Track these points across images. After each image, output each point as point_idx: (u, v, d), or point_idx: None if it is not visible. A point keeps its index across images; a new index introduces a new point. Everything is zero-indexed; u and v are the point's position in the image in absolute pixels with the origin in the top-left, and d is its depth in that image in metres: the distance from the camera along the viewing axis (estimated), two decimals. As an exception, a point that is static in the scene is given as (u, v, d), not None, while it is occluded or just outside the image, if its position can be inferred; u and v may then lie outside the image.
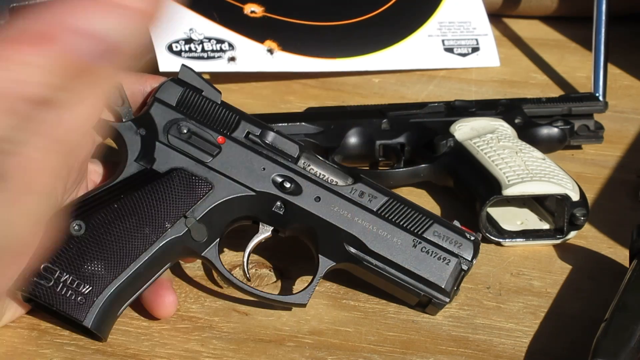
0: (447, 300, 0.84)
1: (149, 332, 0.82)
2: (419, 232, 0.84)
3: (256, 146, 0.85)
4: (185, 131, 0.84)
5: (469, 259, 0.85)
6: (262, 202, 0.84)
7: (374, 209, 0.84)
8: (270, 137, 0.85)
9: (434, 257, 0.84)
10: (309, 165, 0.86)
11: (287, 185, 0.84)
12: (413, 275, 0.84)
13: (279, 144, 0.85)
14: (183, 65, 0.86)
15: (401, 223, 0.85)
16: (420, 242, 0.84)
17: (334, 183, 0.85)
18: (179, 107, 0.85)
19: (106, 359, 0.80)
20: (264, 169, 0.84)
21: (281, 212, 0.84)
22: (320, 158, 0.86)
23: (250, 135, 0.85)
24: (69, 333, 0.81)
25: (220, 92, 0.86)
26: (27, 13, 0.61)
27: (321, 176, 0.85)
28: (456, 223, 0.86)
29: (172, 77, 0.86)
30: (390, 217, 0.85)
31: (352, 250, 0.84)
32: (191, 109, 0.85)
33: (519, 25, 1.36)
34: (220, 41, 1.17)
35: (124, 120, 0.84)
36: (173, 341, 0.82)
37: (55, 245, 0.79)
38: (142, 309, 0.84)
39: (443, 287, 0.84)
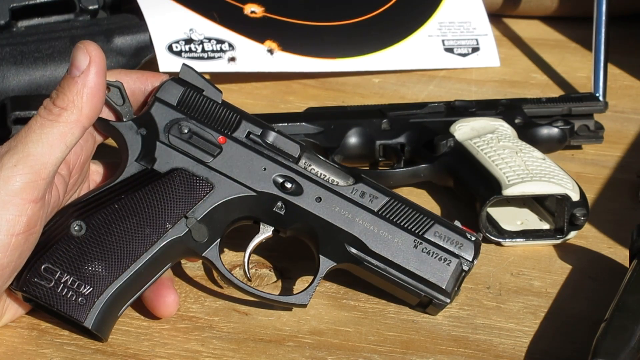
0: (448, 301, 0.84)
1: (149, 332, 0.82)
2: (420, 233, 0.84)
3: (257, 146, 0.85)
4: (186, 131, 0.84)
5: (470, 260, 0.84)
6: (262, 203, 0.84)
7: (375, 210, 0.84)
8: (272, 137, 0.85)
9: (435, 257, 0.84)
10: (310, 165, 0.86)
11: (288, 185, 0.84)
12: (414, 276, 0.84)
13: (280, 143, 0.85)
14: (184, 64, 0.86)
15: (402, 223, 0.84)
16: (421, 243, 0.84)
17: (335, 183, 0.85)
18: (179, 106, 0.84)
19: (106, 358, 0.80)
20: (264, 169, 0.84)
21: (282, 213, 0.84)
22: (322, 158, 0.86)
23: (251, 135, 0.85)
24: (68, 333, 0.81)
25: (221, 92, 0.86)
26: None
27: (322, 176, 0.85)
28: (457, 223, 0.86)
29: (173, 76, 0.86)
30: (391, 218, 0.84)
31: (353, 250, 0.84)
32: (192, 109, 0.85)
33: (519, 25, 1.36)
34: (220, 41, 1.17)
35: (124, 119, 0.84)
36: (173, 341, 0.82)
37: (56, 245, 0.79)
38: (143, 309, 0.84)
39: (444, 287, 0.84)
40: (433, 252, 0.84)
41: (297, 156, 0.85)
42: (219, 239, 0.84)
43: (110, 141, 0.85)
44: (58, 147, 0.77)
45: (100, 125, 0.83)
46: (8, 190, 0.74)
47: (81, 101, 0.78)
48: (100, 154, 0.86)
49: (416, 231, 0.84)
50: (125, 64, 1.13)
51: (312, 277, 0.84)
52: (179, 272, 0.89)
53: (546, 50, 1.31)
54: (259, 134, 0.85)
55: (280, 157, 0.85)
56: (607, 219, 0.98)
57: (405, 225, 0.84)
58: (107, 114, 0.84)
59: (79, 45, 0.79)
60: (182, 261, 0.89)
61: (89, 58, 0.78)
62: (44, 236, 0.79)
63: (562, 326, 0.85)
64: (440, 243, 0.84)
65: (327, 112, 1.06)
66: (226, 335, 0.83)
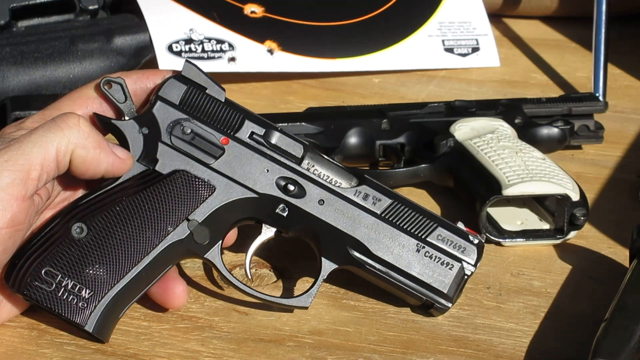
0: (450, 305, 0.84)
1: (149, 332, 0.82)
2: (423, 236, 0.84)
3: (260, 147, 0.84)
4: (188, 132, 0.83)
5: (473, 264, 0.84)
6: (265, 205, 0.83)
7: (378, 212, 0.84)
8: (275, 137, 0.85)
9: (437, 262, 0.84)
10: (313, 166, 0.85)
11: (291, 187, 0.83)
12: (416, 280, 0.83)
13: (283, 144, 0.85)
14: (186, 61, 0.85)
15: (405, 227, 0.84)
16: (424, 247, 0.84)
17: (338, 185, 0.85)
18: (182, 106, 0.84)
19: (106, 358, 0.80)
20: (267, 170, 0.84)
21: (284, 215, 0.84)
22: (325, 157, 0.85)
23: (254, 136, 0.84)
24: (68, 333, 0.81)
25: (224, 90, 0.85)
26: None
27: (325, 178, 0.85)
28: (460, 224, 0.85)
29: (176, 73, 0.85)
30: (394, 221, 0.84)
31: (356, 254, 0.84)
32: (194, 108, 0.84)
33: (519, 25, 1.36)
34: (220, 41, 1.17)
35: (126, 117, 0.83)
36: (173, 341, 0.82)
37: (57, 248, 0.79)
38: (143, 309, 0.84)
39: (446, 292, 0.83)
40: (435, 257, 0.84)
41: (300, 156, 0.85)
42: (220, 241, 0.83)
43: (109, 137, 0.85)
44: (51, 153, 0.77)
45: (102, 122, 0.83)
46: None
47: (90, 142, 0.79)
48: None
49: (419, 234, 0.84)
50: (125, 64, 1.13)
51: (312, 277, 0.84)
52: (179, 272, 0.89)
53: (546, 50, 1.31)
54: (262, 134, 0.84)
55: (283, 159, 0.84)
56: (607, 219, 0.98)
57: (408, 229, 0.84)
58: (108, 111, 0.84)
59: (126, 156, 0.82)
60: (183, 261, 0.89)
61: (125, 164, 0.81)
62: (44, 237, 0.79)
63: (562, 326, 0.85)
64: (443, 247, 0.84)
65: (327, 112, 1.06)
66: (226, 335, 0.83)
